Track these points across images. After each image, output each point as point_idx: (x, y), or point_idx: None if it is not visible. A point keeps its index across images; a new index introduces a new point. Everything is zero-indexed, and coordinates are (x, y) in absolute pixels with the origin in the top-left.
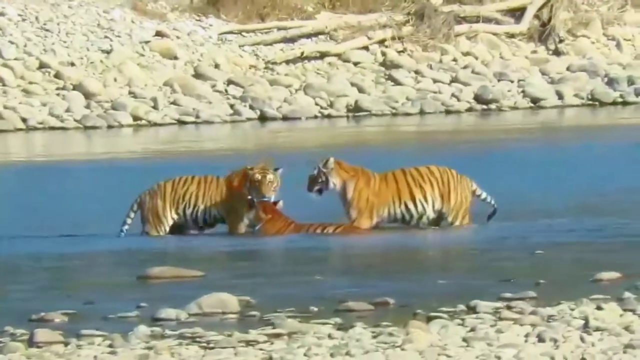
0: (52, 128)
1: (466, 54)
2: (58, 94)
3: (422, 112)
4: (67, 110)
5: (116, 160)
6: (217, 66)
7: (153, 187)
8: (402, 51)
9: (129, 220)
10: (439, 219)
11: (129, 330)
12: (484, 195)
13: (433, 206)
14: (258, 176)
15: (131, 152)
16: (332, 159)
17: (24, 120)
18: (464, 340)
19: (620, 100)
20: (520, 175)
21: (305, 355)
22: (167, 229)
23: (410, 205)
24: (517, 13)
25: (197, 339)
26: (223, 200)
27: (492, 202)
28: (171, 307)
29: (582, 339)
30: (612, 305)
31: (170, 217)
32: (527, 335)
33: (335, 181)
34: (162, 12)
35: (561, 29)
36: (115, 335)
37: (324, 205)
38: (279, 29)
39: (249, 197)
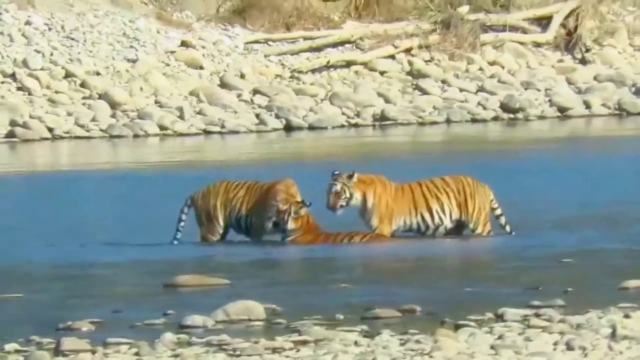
0: (78, 137)
1: (492, 63)
2: (84, 104)
3: (448, 121)
4: (93, 120)
5: (142, 169)
6: (242, 76)
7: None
8: (429, 60)
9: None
10: (459, 229)
11: (155, 338)
12: (499, 211)
13: (451, 217)
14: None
15: (157, 161)
16: (356, 174)
17: (50, 129)
18: (492, 348)
19: None
20: (546, 184)
21: None
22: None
23: (427, 216)
24: (543, 22)
25: (224, 347)
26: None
27: (507, 227)
28: (198, 314)
29: (610, 347)
30: (639, 314)
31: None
32: (555, 344)
33: (357, 195)
34: (188, 21)
35: (587, 38)
36: (142, 343)
37: (339, 217)
38: (305, 38)
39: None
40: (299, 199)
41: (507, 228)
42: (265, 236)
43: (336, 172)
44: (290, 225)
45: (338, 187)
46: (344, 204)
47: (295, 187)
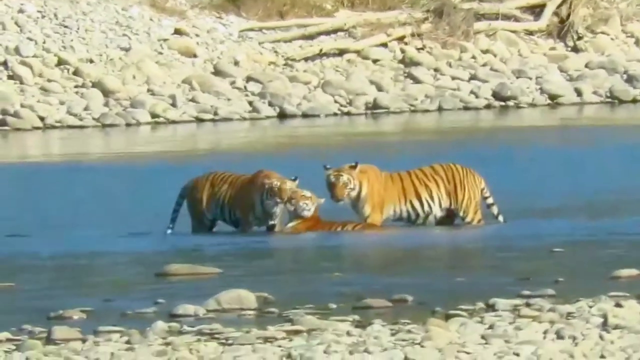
0: (70, 126)
1: (485, 51)
2: (77, 92)
3: (440, 109)
4: (86, 109)
5: (135, 158)
6: (236, 63)
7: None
8: (421, 48)
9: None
10: (450, 218)
11: (146, 327)
12: (491, 200)
13: (440, 205)
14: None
15: (150, 150)
16: (359, 165)
17: (41, 118)
18: (483, 337)
19: None
20: (537, 173)
21: (324, 352)
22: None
23: (416, 204)
24: (536, 10)
25: (216, 335)
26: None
27: (500, 217)
28: (189, 303)
29: (601, 337)
30: (631, 303)
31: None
32: (545, 333)
33: (359, 185)
34: (182, 9)
35: (580, 25)
36: (133, 332)
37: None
38: (299, 26)
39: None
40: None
41: (500, 218)
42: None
43: (328, 167)
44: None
45: (345, 177)
46: (349, 194)
47: (277, 175)
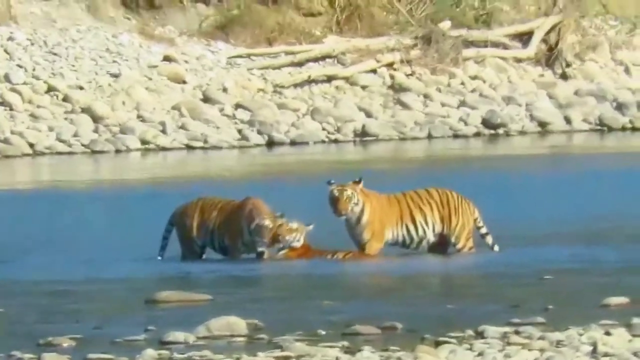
0: (60, 153)
1: (474, 77)
2: (66, 118)
3: (430, 137)
4: (75, 135)
5: (124, 185)
6: (225, 90)
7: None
8: (411, 74)
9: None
10: (442, 245)
11: (136, 354)
12: (484, 230)
13: (434, 229)
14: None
15: (140, 177)
16: (362, 181)
17: (31, 145)
18: None
19: (629, 125)
20: (527, 201)
21: None
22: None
23: (411, 228)
24: (524, 37)
25: None
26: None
27: (493, 245)
28: (179, 330)
29: None
30: (620, 331)
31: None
32: None
33: (361, 204)
34: (170, 36)
35: (568, 53)
36: (123, 359)
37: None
38: (287, 53)
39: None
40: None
41: (496, 247)
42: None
43: (332, 182)
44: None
45: (349, 191)
46: (353, 209)
47: (263, 204)
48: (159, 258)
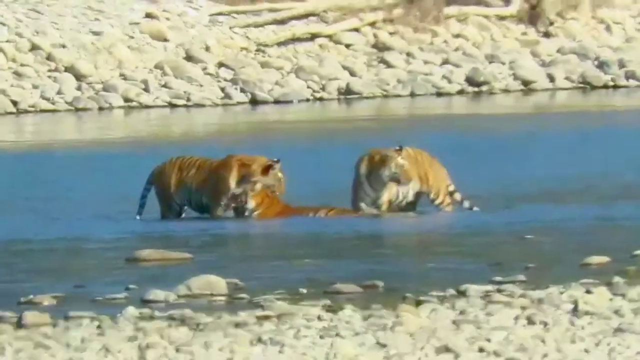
0: (43, 111)
1: (457, 35)
2: (50, 76)
3: (412, 94)
4: (59, 93)
5: (106, 144)
6: (207, 48)
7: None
8: (394, 33)
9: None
10: (412, 204)
11: (117, 312)
12: (453, 187)
13: (413, 187)
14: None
15: (122, 135)
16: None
17: (14, 103)
18: (454, 323)
19: (611, 83)
20: (508, 160)
21: (294, 337)
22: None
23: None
24: None
25: (186, 321)
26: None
27: (465, 202)
28: (160, 289)
29: (571, 323)
30: (601, 290)
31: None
32: (516, 318)
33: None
34: None
35: (551, 11)
36: (104, 317)
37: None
38: (270, 10)
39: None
40: (259, 162)
41: (466, 203)
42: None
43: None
44: (251, 204)
45: (394, 169)
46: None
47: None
48: (138, 217)
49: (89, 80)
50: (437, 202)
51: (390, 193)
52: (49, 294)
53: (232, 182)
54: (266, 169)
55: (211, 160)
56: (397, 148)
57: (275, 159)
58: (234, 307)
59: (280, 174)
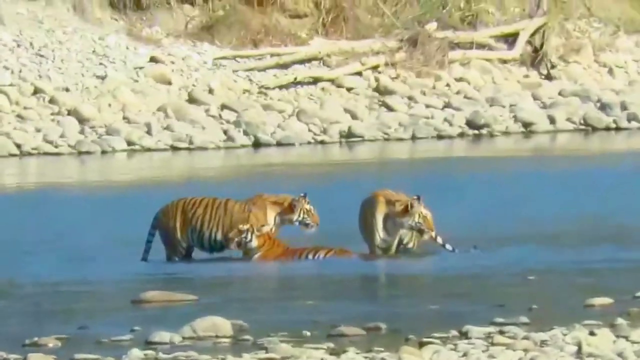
0: (46, 153)
1: (459, 79)
2: (52, 120)
3: (414, 138)
4: (62, 136)
5: (110, 186)
6: (211, 91)
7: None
8: (396, 77)
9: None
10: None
11: (122, 354)
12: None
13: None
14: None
15: (126, 178)
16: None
17: (18, 146)
18: None
19: (613, 125)
20: (510, 201)
21: None
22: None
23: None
24: (509, 39)
25: None
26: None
27: (447, 245)
28: (165, 330)
29: None
30: (604, 331)
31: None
32: None
33: None
34: (157, 37)
35: (553, 54)
36: (109, 359)
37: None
38: (272, 55)
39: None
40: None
41: (448, 246)
42: (231, 253)
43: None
44: (254, 243)
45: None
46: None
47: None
48: (143, 262)
49: (92, 123)
50: (409, 246)
51: (399, 238)
52: (54, 336)
53: (270, 219)
54: (291, 206)
55: (218, 199)
56: (415, 197)
57: (303, 194)
58: (238, 349)
59: (307, 206)
